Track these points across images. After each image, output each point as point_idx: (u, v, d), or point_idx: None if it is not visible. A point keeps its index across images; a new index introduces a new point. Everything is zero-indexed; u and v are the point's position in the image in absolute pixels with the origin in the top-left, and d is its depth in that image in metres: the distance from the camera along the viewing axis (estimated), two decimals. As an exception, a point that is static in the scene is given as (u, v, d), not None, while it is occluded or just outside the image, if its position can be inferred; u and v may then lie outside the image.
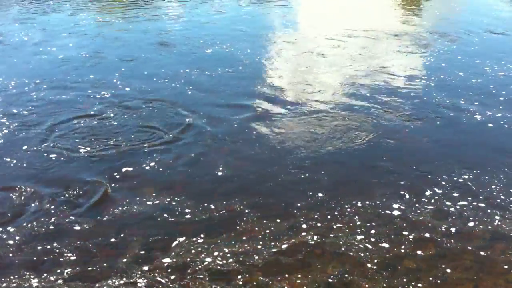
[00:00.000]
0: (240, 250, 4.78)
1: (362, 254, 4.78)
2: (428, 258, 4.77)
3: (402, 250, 4.85)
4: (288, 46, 11.25)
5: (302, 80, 9.07)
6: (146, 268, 4.53)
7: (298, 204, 5.48)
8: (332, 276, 4.50)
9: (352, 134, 7.05)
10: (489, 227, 5.22)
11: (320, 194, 5.65)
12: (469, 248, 4.91)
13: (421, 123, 7.48)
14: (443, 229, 5.16)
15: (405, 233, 5.08)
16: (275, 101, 8.12)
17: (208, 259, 4.65)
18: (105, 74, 9.17)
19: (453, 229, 5.16)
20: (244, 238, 4.95)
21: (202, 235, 4.95)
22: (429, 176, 6.07)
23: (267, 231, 5.05)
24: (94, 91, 8.37)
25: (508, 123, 7.50)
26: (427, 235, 5.08)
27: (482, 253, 4.85)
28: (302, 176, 6.02)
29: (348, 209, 5.41)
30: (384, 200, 5.61)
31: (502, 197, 5.69)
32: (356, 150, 6.68)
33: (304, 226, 5.15)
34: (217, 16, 14.17)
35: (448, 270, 4.61)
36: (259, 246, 4.84)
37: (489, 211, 5.46)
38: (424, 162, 6.41)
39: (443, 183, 5.93)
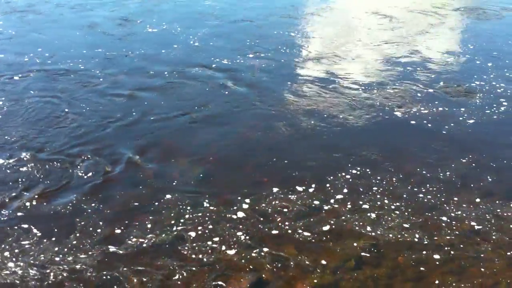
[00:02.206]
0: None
1: (201, 256, 4.36)
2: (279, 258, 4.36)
3: (241, 249, 4.47)
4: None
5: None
6: None
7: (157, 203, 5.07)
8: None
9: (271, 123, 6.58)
10: (365, 230, 4.75)
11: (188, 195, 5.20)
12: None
13: (338, 114, 6.97)
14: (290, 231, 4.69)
15: (243, 232, 4.67)
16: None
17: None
18: (20, 53, 8.64)
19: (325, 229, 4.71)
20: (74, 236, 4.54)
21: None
22: (315, 171, 5.60)
23: (98, 230, 4.64)
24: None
25: (432, 122, 6.87)
26: (276, 232, 4.64)
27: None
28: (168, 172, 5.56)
29: (198, 210, 4.96)
30: (239, 198, 5.13)
31: (386, 201, 5.15)
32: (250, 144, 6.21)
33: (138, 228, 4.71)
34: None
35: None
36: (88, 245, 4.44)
37: (369, 214, 4.97)
38: (315, 155, 5.97)
39: (328, 180, 5.43)
